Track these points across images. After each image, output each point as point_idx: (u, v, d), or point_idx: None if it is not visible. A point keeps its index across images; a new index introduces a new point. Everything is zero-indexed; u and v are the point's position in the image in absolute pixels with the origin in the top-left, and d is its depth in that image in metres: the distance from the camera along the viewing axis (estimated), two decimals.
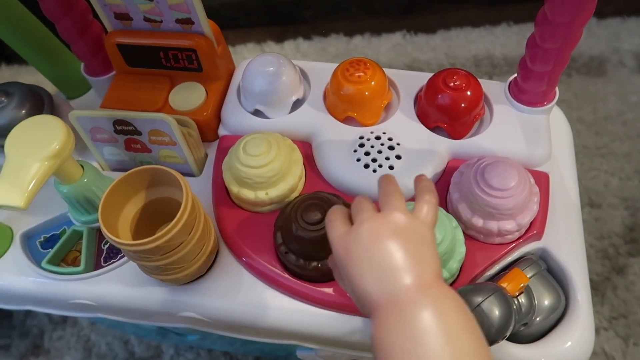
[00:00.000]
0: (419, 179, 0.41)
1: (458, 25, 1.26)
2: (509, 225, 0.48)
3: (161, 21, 0.56)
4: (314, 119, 0.56)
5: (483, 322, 0.40)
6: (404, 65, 1.20)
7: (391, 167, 0.52)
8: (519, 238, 0.50)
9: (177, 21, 0.56)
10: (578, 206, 0.56)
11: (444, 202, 0.53)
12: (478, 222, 0.49)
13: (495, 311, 0.40)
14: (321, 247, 0.46)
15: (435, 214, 0.38)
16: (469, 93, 0.53)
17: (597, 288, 0.88)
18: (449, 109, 0.53)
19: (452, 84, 0.53)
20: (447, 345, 0.30)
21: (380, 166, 0.52)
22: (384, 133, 0.55)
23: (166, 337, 0.80)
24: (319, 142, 0.55)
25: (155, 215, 0.48)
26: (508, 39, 1.21)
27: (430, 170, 0.53)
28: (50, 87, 0.68)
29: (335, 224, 0.38)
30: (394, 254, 0.34)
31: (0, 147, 0.54)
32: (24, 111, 0.57)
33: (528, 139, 0.54)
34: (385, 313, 0.32)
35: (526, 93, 0.55)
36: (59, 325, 0.93)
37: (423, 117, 0.56)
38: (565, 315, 0.49)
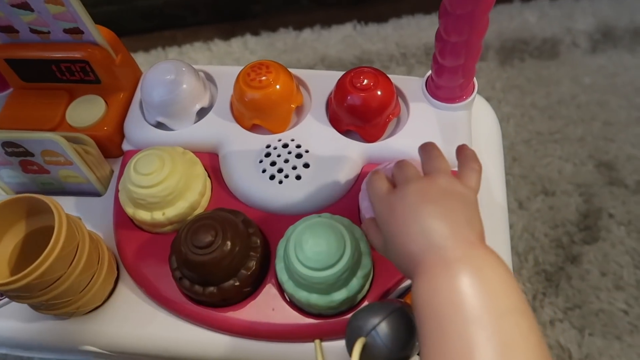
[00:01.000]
0: (461, 148, 0.42)
1: (409, 12, 1.22)
2: None
3: (49, 32, 0.52)
4: (219, 129, 0.53)
5: (380, 345, 0.37)
6: (354, 57, 1.16)
7: (298, 177, 0.49)
8: None
9: (66, 31, 0.52)
10: (504, 207, 0.53)
11: (357, 208, 0.49)
12: None
13: (394, 331, 0.37)
14: (214, 271, 0.42)
15: (479, 181, 0.39)
16: (379, 93, 0.49)
17: (551, 279, 0.85)
18: (358, 110, 0.50)
19: (359, 85, 0.49)
20: (493, 302, 0.31)
21: (286, 177, 0.49)
22: (292, 140, 0.51)
23: None
24: (224, 153, 0.52)
25: (40, 247, 0.45)
26: None
27: (342, 177, 0.50)
28: None
29: (378, 184, 0.39)
30: (442, 213, 0.34)
31: None
32: None
33: (445, 138, 0.51)
34: (432, 270, 0.32)
35: (442, 88, 0.52)
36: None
37: (334, 120, 0.52)
38: None
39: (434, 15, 1.21)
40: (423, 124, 0.52)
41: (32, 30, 0.52)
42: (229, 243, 0.42)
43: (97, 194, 0.55)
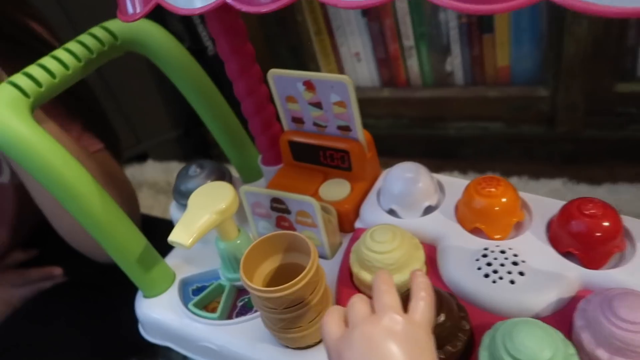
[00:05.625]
0: (414, 275, 0.42)
1: (628, 180, 1.20)
2: None
3: (326, 126, 0.68)
4: (442, 225, 0.60)
5: None
6: None
7: (512, 282, 0.52)
8: None
9: (338, 127, 0.67)
10: None
11: (567, 329, 0.50)
12: (603, 355, 0.45)
13: None
14: (447, 336, 0.47)
15: (430, 313, 0.40)
16: (605, 223, 0.52)
17: None
18: (582, 235, 0.52)
19: (587, 212, 0.53)
20: None
21: (500, 278, 0.53)
22: (510, 249, 0.55)
23: None
24: (444, 246, 0.58)
25: (286, 278, 0.55)
26: None
27: (555, 293, 0.51)
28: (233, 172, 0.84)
29: (330, 328, 0.40)
30: None
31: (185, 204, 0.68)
32: (209, 181, 0.71)
33: None
34: None
35: None
36: None
37: (555, 241, 0.55)
38: None
39: None
40: None
41: (314, 124, 0.69)
42: (443, 315, 0.47)
43: (324, 257, 0.65)
